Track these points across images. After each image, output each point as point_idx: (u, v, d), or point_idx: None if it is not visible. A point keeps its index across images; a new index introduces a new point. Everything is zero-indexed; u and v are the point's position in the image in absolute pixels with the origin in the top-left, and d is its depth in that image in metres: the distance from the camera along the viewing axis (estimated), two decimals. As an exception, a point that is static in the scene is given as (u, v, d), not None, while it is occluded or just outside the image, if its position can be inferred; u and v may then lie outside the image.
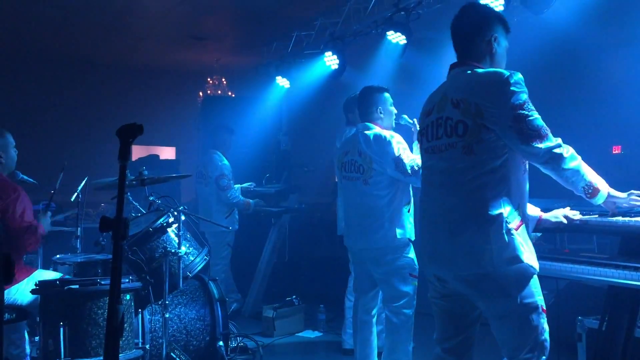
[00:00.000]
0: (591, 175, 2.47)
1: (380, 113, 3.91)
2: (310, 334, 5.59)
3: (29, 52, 9.29)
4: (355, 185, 3.85)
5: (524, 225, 2.40)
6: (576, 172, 2.42)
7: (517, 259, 2.32)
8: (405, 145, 3.79)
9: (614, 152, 6.82)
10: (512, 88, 2.35)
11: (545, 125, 2.37)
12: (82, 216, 4.41)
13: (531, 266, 2.36)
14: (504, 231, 2.32)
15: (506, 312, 2.38)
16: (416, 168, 3.63)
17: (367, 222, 3.81)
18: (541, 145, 2.34)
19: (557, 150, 2.37)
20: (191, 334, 4.29)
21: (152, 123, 7.78)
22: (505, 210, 2.34)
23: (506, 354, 2.44)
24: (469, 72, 2.51)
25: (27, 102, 9.29)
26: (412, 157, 3.70)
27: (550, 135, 2.37)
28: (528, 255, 2.36)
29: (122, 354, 3.38)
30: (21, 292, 3.71)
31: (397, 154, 3.68)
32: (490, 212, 2.34)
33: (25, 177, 4.33)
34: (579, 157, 2.43)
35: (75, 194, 4.50)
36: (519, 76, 2.38)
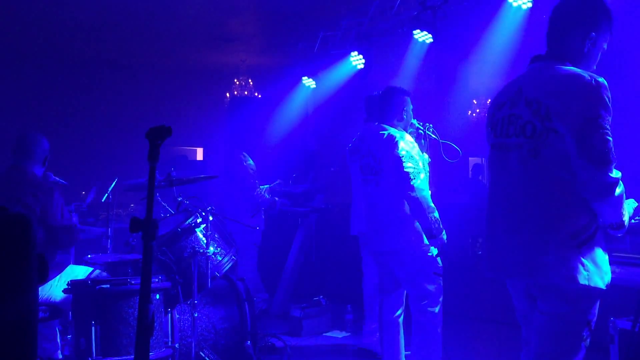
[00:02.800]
0: (627, 211, 2.29)
1: (404, 115, 3.91)
2: (337, 334, 5.59)
3: (60, 56, 9.45)
4: (371, 187, 3.87)
5: (593, 241, 2.24)
6: (619, 212, 2.23)
7: (573, 280, 2.20)
8: (415, 150, 3.75)
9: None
10: (592, 93, 2.18)
11: (612, 151, 2.17)
12: (112, 216, 4.47)
13: (591, 287, 2.21)
14: (566, 246, 2.20)
15: (559, 314, 2.28)
16: (412, 176, 3.60)
17: (382, 223, 3.82)
18: (598, 171, 2.15)
19: (612, 185, 2.16)
20: (219, 333, 4.31)
21: (180, 124, 7.87)
22: (570, 223, 2.22)
23: (535, 351, 2.36)
24: (550, 69, 2.33)
25: (58, 105, 9.47)
26: (414, 165, 3.66)
27: (613, 164, 2.17)
28: (590, 275, 2.20)
29: (152, 353, 3.42)
30: (54, 289, 3.79)
31: (400, 156, 3.66)
32: (552, 224, 2.23)
33: (57, 178, 4.42)
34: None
35: (106, 194, 4.56)
36: (602, 82, 2.20)
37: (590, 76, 2.22)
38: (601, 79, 2.20)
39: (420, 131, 4.10)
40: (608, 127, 2.18)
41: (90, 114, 9.79)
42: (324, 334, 5.55)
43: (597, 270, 2.23)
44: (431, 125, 4.12)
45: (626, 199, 2.34)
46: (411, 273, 3.76)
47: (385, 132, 3.81)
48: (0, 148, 4.36)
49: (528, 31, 5.81)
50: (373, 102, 4.78)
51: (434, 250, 3.76)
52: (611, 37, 2.44)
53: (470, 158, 12.69)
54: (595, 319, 2.31)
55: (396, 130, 3.83)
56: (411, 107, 3.97)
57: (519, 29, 5.73)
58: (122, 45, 9.05)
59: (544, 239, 2.23)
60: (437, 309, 3.75)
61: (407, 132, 3.94)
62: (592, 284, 2.21)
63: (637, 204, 2.55)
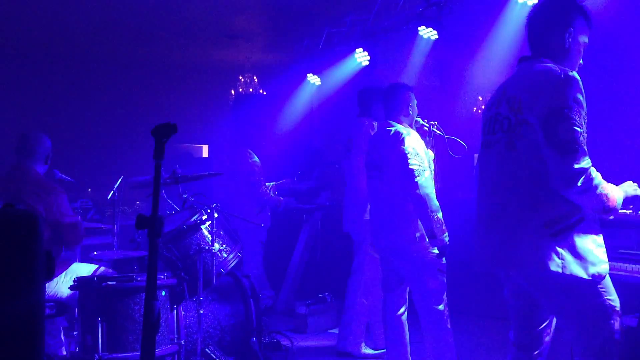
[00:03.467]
0: (612, 194, 2.28)
1: (410, 111, 3.92)
2: (342, 331, 5.58)
3: (64, 53, 9.48)
4: (377, 183, 3.86)
5: (573, 231, 2.26)
6: (595, 199, 2.24)
7: (544, 267, 2.23)
8: (421, 147, 3.75)
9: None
10: (559, 85, 2.24)
11: (581, 140, 2.21)
12: (118, 213, 4.48)
13: (567, 275, 2.23)
14: (537, 235, 2.24)
15: (556, 304, 2.34)
16: (416, 174, 3.60)
17: (387, 219, 3.82)
18: (562, 160, 2.20)
19: (576, 174, 2.19)
20: (225, 329, 4.33)
21: (185, 121, 7.90)
22: (544, 213, 2.25)
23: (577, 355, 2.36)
24: (530, 67, 2.41)
25: (63, 102, 9.50)
26: (419, 162, 3.66)
27: (582, 152, 2.21)
28: (564, 263, 2.22)
29: (158, 349, 3.43)
30: (60, 285, 3.81)
31: (406, 152, 3.66)
32: (527, 214, 2.28)
33: (62, 175, 4.44)
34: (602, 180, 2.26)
35: (112, 192, 4.58)
36: (573, 76, 2.25)
37: (560, 70, 2.29)
38: (572, 73, 2.26)
39: (425, 128, 4.10)
40: (576, 118, 2.22)
41: (96, 112, 9.81)
42: (329, 331, 5.56)
43: (577, 260, 2.24)
44: (436, 122, 4.12)
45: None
46: (415, 270, 3.75)
47: (392, 129, 3.81)
48: (5, 147, 4.37)
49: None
50: (365, 96, 4.80)
51: (435, 250, 3.76)
52: (590, 32, 2.49)
53: (475, 154, 12.69)
54: (615, 307, 2.31)
55: (402, 126, 3.83)
56: (415, 102, 3.97)
57: (524, 25, 5.70)
58: (128, 42, 9.06)
59: (519, 229, 2.30)
60: (442, 306, 3.75)
61: (412, 127, 3.94)
62: (567, 272, 2.23)
63: (634, 185, 2.50)
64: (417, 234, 3.70)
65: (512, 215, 2.33)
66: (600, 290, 2.30)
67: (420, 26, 5.98)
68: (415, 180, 3.61)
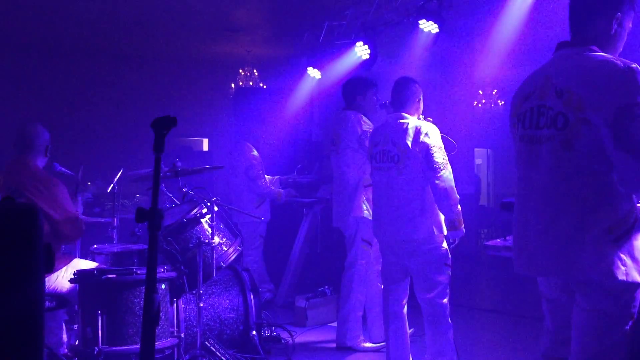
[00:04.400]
0: None
1: (420, 104, 3.95)
2: (342, 324, 5.59)
3: (66, 47, 9.46)
4: (389, 175, 3.82)
5: (631, 234, 2.15)
6: None
7: (612, 275, 2.12)
8: (441, 142, 3.78)
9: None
10: (625, 81, 2.08)
11: None
12: (118, 207, 4.48)
13: (628, 282, 2.14)
14: (602, 241, 2.12)
15: (599, 309, 2.20)
16: (442, 167, 3.65)
17: (399, 211, 3.78)
18: (636, 161, 2.05)
19: None
20: (225, 323, 4.34)
21: (185, 114, 7.89)
22: (606, 217, 2.13)
23: (576, 348, 2.27)
24: (579, 56, 2.24)
25: (64, 96, 9.49)
26: (443, 155, 3.70)
27: None
28: (628, 270, 2.13)
29: (158, 342, 3.44)
30: (61, 279, 3.81)
31: (430, 146, 3.68)
32: (588, 218, 2.14)
33: (62, 168, 4.44)
34: None
35: (111, 185, 4.58)
36: (636, 68, 2.09)
37: (623, 63, 2.12)
38: (635, 65, 2.11)
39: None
40: None
41: (96, 105, 9.80)
42: (329, 324, 5.57)
43: (635, 264, 2.16)
44: (431, 119, 4.14)
45: None
46: (424, 263, 3.75)
47: (407, 122, 3.80)
48: (5, 140, 4.36)
49: (534, 21, 5.77)
50: (349, 88, 4.79)
51: (444, 242, 3.78)
52: (635, 15, 2.36)
53: (475, 149, 12.69)
54: (636, 311, 2.23)
55: (420, 120, 3.86)
56: (422, 96, 4.00)
57: (525, 18, 5.69)
58: (128, 36, 9.05)
59: (580, 235, 2.15)
60: (445, 300, 3.77)
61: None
62: (629, 279, 2.14)
63: None
64: (434, 229, 3.72)
65: (571, 220, 2.18)
66: (636, 294, 2.22)
67: (420, 19, 5.95)
68: (440, 173, 3.65)
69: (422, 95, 3.97)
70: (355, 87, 4.85)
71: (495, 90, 11.14)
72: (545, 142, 2.25)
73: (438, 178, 3.65)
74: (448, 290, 3.78)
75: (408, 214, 3.74)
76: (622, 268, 2.12)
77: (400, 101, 3.93)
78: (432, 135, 3.72)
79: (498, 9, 5.93)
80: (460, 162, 8.74)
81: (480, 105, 11.20)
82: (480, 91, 11.14)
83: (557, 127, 2.20)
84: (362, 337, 4.83)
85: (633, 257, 2.16)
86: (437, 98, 8.67)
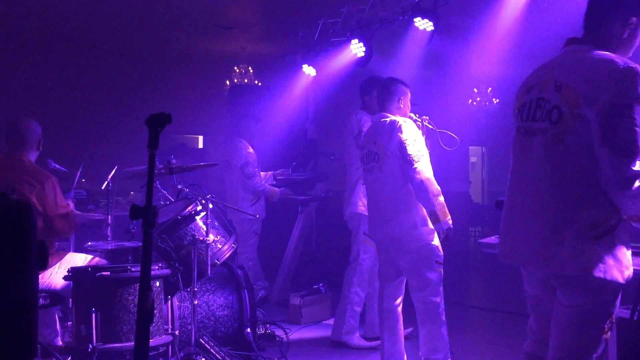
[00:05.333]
0: None
1: (401, 104, 3.96)
2: (337, 322, 5.60)
3: (57, 41, 9.41)
4: (373, 174, 3.89)
5: (614, 234, 2.16)
6: (637, 204, 2.11)
7: (588, 271, 2.13)
8: (418, 135, 3.79)
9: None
10: (622, 80, 2.07)
11: (638, 142, 2.05)
12: (112, 204, 4.47)
13: (607, 280, 2.14)
14: (582, 238, 2.13)
15: (578, 305, 2.22)
16: (416, 159, 3.64)
17: (384, 210, 3.84)
18: (619, 162, 2.05)
19: (631, 178, 2.05)
20: (219, 320, 4.34)
21: (180, 111, 7.86)
22: (589, 214, 2.14)
23: (555, 344, 2.29)
24: (584, 53, 2.24)
25: (57, 91, 9.44)
26: (418, 148, 3.70)
27: (637, 157, 2.06)
28: (606, 268, 2.13)
29: (153, 339, 3.44)
30: (54, 276, 3.80)
31: (404, 139, 3.69)
32: (570, 214, 2.16)
33: (57, 165, 4.42)
34: None
35: (106, 182, 4.56)
36: (637, 70, 2.08)
37: (624, 62, 2.12)
38: (636, 66, 2.11)
39: (418, 123, 4.13)
40: (637, 117, 2.07)
41: (90, 102, 9.76)
42: (324, 322, 5.58)
43: (616, 263, 2.16)
44: (427, 117, 4.16)
45: None
46: (413, 261, 3.77)
47: (387, 119, 3.84)
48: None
49: (529, 19, 5.78)
50: (370, 86, 4.81)
51: (436, 239, 3.78)
52: None
53: (470, 147, 12.70)
54: (616, 310, 2.25)
55: (396, 117, 3.86)
56: (409, 98, 4.03)
57: (521, 16, 5.70)
58: (122, 33, 9.01)
59: (561, 229, 2.17)
60: (438, 298, 3.77)
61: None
62: (608, 277, 2.15)
63: None
64: (417, 222, 3.72)
65: (554, 214, 2.20)
66: (617, 292, 2.24)
67: (416, 17, 5.95)
68: (415, 166, 3.66)
69: (408, 96, 4.00)
70: (361, 87, 4.92)
71: (490, 88, 11.15)
72: (538, 134, 2.27)
73: (413, 170, 3.66)
74: (441, 288, 3.79)
75: (393, 211, 3.77)
76: (600, 266, 2.13)
77: (383, 102, 3.98)
78: (406, 130, 3.74)
79: (493, 7, 5.94)
80: (454, 160, 8.76)
81: (475, 103, 11.22)
82: (475, 89, 11.16)
83: (551, 120, 2.22)
84: (358, 334, 4.83)
85: (615, 257, 2.16)
86: (432, 96, 8.67)
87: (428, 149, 4.02)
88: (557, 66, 2.30)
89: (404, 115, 3.97)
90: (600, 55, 2.20)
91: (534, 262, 2.30)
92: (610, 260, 2.15)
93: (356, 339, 4.81)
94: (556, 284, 2.30)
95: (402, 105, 3.96)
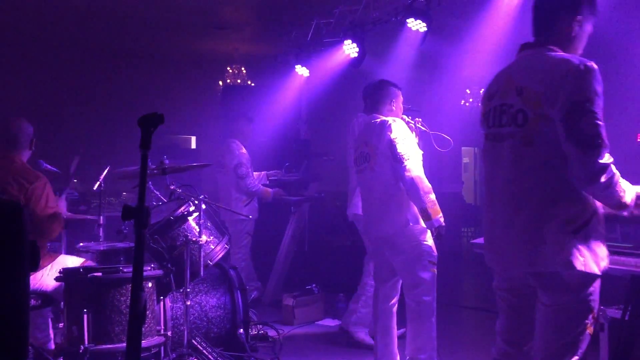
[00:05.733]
0: (628, 190, 2.26)
1: (393, 106, 3.98)
2: (329, 322, 5.61)
3: (49, 41, 9.37)
4: (365, 174, 3.91)
5: (589, 227, 2.23)
6: (613, 196, 2.21)
7: (571, 265, 2.19)
8: (408, 134, 3.81)
9: (638, 139, 6.72)
10: (580, 77, 2.15)
11: (603, 134, 2.14)
12: (104, 205, 4.45)
13: (587, 273, 2.21)
14: (561, 233, 2.19)
15: (560, 303, 2.27)
16: (406, 157, 3.65)
17: (377, 209, 3.86)
18: (586, 155, 2.13)
19: (599, 171, 2.13)
20: (212, 321, 4.33)
21: (173, 112, 7.83)
22: (565, 210, 2.20)
23: (540, 343, 2.34)
24: (540, 56, 2.32)
25: (48, 91, 9.40)
26: (408, 146, 3.71)
27: (605, 147, 2.15)
28: (586, 260, 2.20)
29: (145, 340, 3.43)
30: (46, 278, 3.78)
31: (392, 137, 3.70)
32: (548, 212, 2.21)
33: (48, 166, 4.40)
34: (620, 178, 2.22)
35: (98, 182, 4.54)
36: (593, 66, 2.17)
37: (579, 60, 2.20)
38: (591, 63, 2.19)
39: (411, 125, 4.15)
40: (598, 111, 2.16)
41: (82, 102, 9.72)
42: (317, 323, 5.58)
43: (593, 255, 2.23)
44: (420, 119, 4.19)
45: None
46: (406, 261, 3.77)
47: (378, 119, 3.86)
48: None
49: (521, 20, 5.80)
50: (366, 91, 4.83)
51: (430, 239, 3.79)
52: (595, 19, 2.43)
53: (463, 148, 12.73)
54: (597, 305, 2.30)
55: (386, 117, 3.88)
56: (401, 100, 4.05)
57: (513, 17, 5.72)
58: (114, 32, 8.97)
59: (540, 228, 2.22)
60: (431, 298, 3.77)
61: None
62: (588, 270, 2.21)
63: None
64: (409, 220, 3.73)
65: (532, 214, 2.25)
66: (596, 286, 2.29)
67: (409, 18, 5.96)
68: (405, 163, 3.67)
69: (400, 98, 4.03)
70: (364, 91, 4.95)
71: (483, 89, 11.16)
72: (507, 139, 2.33)
73: (404, 168, 3.67)
74: (434, 289, 3.79)
75: (385, 210, 3.79)
76: (581, 259, 2.20)
77: (373, 103, 4.00)
78: (396, 129, 3.75)
79: (486, 8, 5.96)
80: (447, 160, 8.78)
81: (467, 104, 11.24)
82: (467, 90, 11.18)
83: (518, 123, 2.28)
84: (366, 331, 4.84)
85: (590, 249, 2.23)
86: (425, 96, 8.69)
87: (421, 151, 4.05)
88: (516, 71, 2.38)
89: (396, 117, 3.98)
90: (556, 56, 2.28)
91: (518, 263, 2.34)
92: (587, 253, 2.22)
93: (361, 334, 4.82)
94: (537, 284, 2.34)
95: (394, 108, 4.00)
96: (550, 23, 2.39)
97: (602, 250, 2.27)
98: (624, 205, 2.27)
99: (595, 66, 2.19)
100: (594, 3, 2.41)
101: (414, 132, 4.11)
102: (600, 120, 2.16)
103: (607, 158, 2.17)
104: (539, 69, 2.28)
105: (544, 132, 2.21)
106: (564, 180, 2.21)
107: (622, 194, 2.24)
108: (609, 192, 2.20)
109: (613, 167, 2.20)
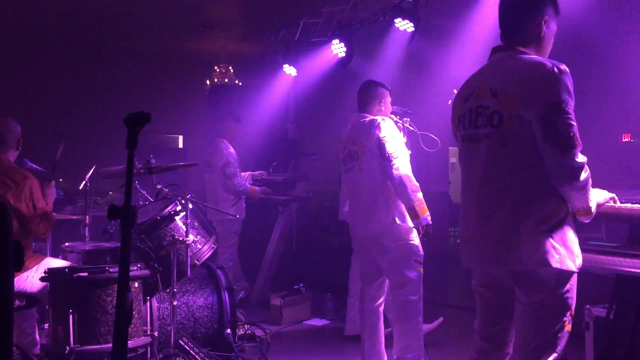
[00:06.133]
0: (594, 198, 2.34)
1: (382, 106, 4.00)
2: (317, 322, 5.61)
3: (36, 40, 9.29)
4: (353, 173, 3.91)
5: (564, 225, 2.27)
6: (586, 197, 2.28)
7: (546, 263, 2.22)
8: (396, 133, 3.83)
9: (623, 140, 6.78)
10: (554, 80, 2.21)
11: (577, 136, 2.21)
12: (90, 204, 4.42)
13: (563, 270, 2.25)
14: (536, 232, 2.23)
15: (538, 300, 2.30)
16: (394, 156, 3.67)
17: (364, 208, 3.87)
18: (563, 155, 2.20)
19: (578, 169, 2.21)
20: (199, 321, 4.31)
21: (160, 111, 7.81)
22: (540, 208, 2.24)
23: (519, 341, 2.38)
24: (513, 59, 2.38)
25: (34, 90, 9.32)
26: (396, 145, 3.73)
27: (578, 148, 2.21)
28: (561, 258, 2.24)
29: (131, 341, 3.40)
30: (31, 279, 3.74)
31: (381, 136, 3.72)
32: (523, 211, 2.25)
33: (33, 165, 4.36)
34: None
35: (84, 182, 4.51)
36: (564, 69, 2.23)
37: (552, 63, 2.26)
38: (563, 66, 2.25)
39: (399, 124, 4.17)
40: (571, 112, 2.23)
41: (69, 101, 9.65)
42: (304, 322, 5.58)
43: (568, 253, 2.27)
44: (408, 119, 4.20)
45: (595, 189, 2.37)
46: (393, 260, 3.78)
47: (367, 119, 3.87)
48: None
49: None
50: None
51: (416, 238, 3.80)
52: (558, 19, 2.49)
53: (450, 147, 12.77)
54: (574, 303, 2.34)
55: (375, 116, 3.89)
56: (389, 99, 4.06)
57: (498, 12, 5.76)
58: (101, 30, 8.92)
59: (516, 226, 2.26)
60: (417, 297, 3.78)
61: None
62: (564, 267, 2.25)
63: (603, 192, 2.56)
64: (396, 218, 3.74)
65: (508, 213, 2.29)
66: (573, 283, 2.33)
67: (396, 18, 5.97)
68: (393, 162, 3.69)
69: (388, 98, 4.05)
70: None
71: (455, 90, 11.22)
72: (483, 140, 2.38)
73: (392, 167, 3.70)
74: (421, 288, 3.80)
75: (372, 208, 3.80)
76: (556, 256, 2.24)
77: (363, 103, 4.02)
78: (384, 127, 3.77)
79: (473, 9, 5.99)
80: (434, 160, 8.80)
81: (454, 104, 11.28)
82: (455, 90, 11.21)
83: (493, 125, 2.33)
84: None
85: (566, 246, 2.27)
86: (412, 96, 8.70)
87: (409, 150, 4.06)
88: (489, 74, 2.43)
89: (385, 116, 3.99)
90: (529, 59, 2.34)
91: (494, 262, 2.37)
92: (563, 250, 2.26)
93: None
94: (514, 282, 2.37)
95: (383, 108, 4.01)
96: (518, 26, 2.44)
97: (577, 247, 2.32)
98: (589, 211, 2.33)
99: (567, 69, 2.25)
100: (556, 3, 2.47)
101: (402, 132, 4.13)
102: (573, 121, 2.23)
103: (582, 158, 2.25)
104: (514, 72, 2.33)
105: (519, 133, 2.26)
106: (539, 179, 2.26)
107: (591, 198, 2.32)
108: (584, 192, 2.27)
109: (587, 167, 2.27)
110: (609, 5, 5.14)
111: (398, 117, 4.21)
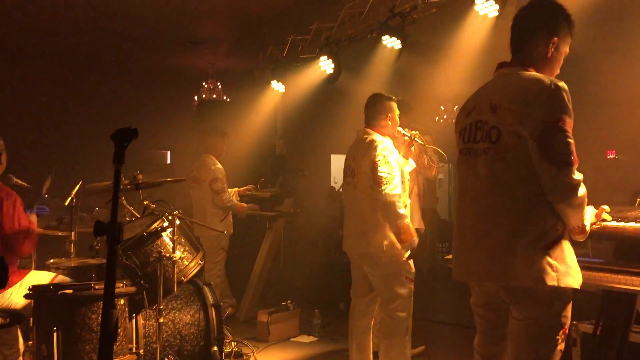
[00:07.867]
0: (588, 217, 2.36)
1: (389, 121, 3.97)
2: (305, 339, 5.57)
3: (23, 55, 9.26)
4: (350, 189, 3.91)
5: (562, 242, 2.27)
6: (581, 216, 2.29)
7: (541, 281, 2.21)
8: (392, 156, 3.81)
9: (608, 156, 6.86)
10: (551, 97, 2.21)
11: (574, 153, 2.21)
12: (76, 220, 4.38)
13: (561, 288, 2.24)
14: (532, 249, 2.22)
15: (531, 318, 2.29)
16: (384, 182, 3.66)
17: (358, 225, 3.88)
18: (560, 172, 2.19)
19: (575, 186, 2.20)
20: (185, 338, 4.26)
21: (147, 127, 7.78)
22: (536, 225, 2.24)
23: (511, 358, 2.37)
24: (514, 75, 2.38)
25: (21, 105, 9.26)
26: (386, 170, 3.71)
27: (574, 166, 2.22)
28: (559, 275, 2.22)
29: (117, 359, 3.36)
30: (15, 296, 3.69)
31: (376, 159, 3.71)
32: (519, 227, 2.24)
33: (18, 181, 4.32)
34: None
35: (69, 198, 4.47)
36: (562, 86, 2.23)
37: (550, 80, 2.26)
38: (561, 83, 2.25)
39: (407, 138, 4.17)
40: (569, 129, 2.22)
41: (55, 116, 9.61)
42: (292, 339, 5.54)
43: (568, 270, 2.26)
44: (417, 132, 4.21)
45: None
46: (384, 276, 3.79)
47: (368, 137, 3.87)
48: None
49: (494, 39, 5.91)
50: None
51: (407, 254, 3.81)
52: (572, 40, 2.49)
53: (449, 163, 12.82)
54: (569, 322, 2.33)
55: (379, 135, 3.87)
56: (397, 113, 4.03)
57: (486, 36, 5.82)
58: (89, 46, 8.91)
59: (511, 242, 2.25)
60: (405, 314, 3.78)
61: (394, 136, 3.99)
62: (562, 284, 2.23)
63: (595, 210, 2.60)
64: (385, 242, 3.74)
65: (504, 228, 2.28)
66: (568, 302, 2.33)
67: (384, 35, 6.02)
68: (382, 187, 3.68)
69: (395, 112, 4.01)
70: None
71: (457, 106, 11.31)
72: (480, 154, 2.38)
73: (379, 192, 3.70)
74: (411, 305, 3.80)
75: (366, 227, 3.81)
76: (553, 274, 2.22)
77: (368, 117, 4.00)
78: (380, 150, 3.76)
79: (459, 26, 6.05)
80: (422, 177, 8.83)
81: (442, 120, 11.36)
82: (442, 107, 11.31)
83: (491, 140, 2.33)
84: None
85: (565, 264, 2.26)
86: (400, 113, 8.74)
87: (416, 165, 4.09)
88: (491, 89, 2.44)
89: (392, 131, 3.99)
90: (528, 76, 2.34)
91: (487, 276, 2.37)
92: (562, 268, 2.24)
93: None
94: (509, 299, 2.36)
95: (390, 122, 3.98)
96: (526, 44, 2.45)
97: (576, 265, 2.30)
98: (583, 230, 2.34)
99: (565, 86, 2.25)
100: (572, 24, 2.46)
101: (412, 146, 4.13)
102: (571, 138, 2.22)
103: (578, 175, 2.24)
104: (513, 88, 2.33)
105: (516, 149, 2.26)
106: (536, 195, 2.25)
107: (586, 217, 2.32)
108: (580, 210, 2.27)
109: (583, 185, 2.26)
110: (591, 24, 5.21)
111: (407, 130, 4.21)
